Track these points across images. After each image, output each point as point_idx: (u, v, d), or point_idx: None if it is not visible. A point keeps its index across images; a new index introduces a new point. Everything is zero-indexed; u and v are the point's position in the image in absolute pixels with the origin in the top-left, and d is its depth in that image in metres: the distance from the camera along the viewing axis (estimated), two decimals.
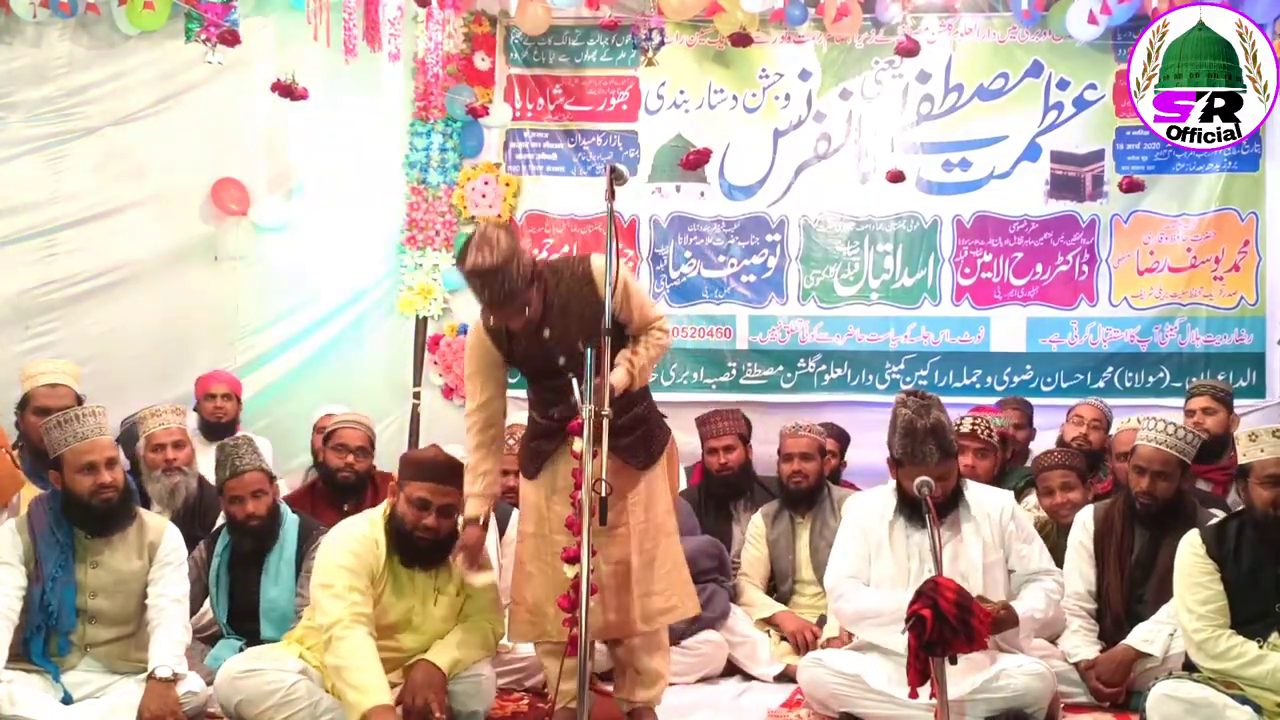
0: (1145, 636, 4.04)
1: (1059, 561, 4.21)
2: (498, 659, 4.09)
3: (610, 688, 4.01)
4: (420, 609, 3.73)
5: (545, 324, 3.59)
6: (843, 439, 5.62)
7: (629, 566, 3.65)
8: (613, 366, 3.42)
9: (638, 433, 3.70)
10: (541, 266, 3.60)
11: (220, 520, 4.64)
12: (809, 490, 4.97)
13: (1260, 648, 3.53)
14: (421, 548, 3.68)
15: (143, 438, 4.98)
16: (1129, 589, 4.21)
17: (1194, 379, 5.95)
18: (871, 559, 3.92)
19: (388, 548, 3.68)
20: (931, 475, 3.59)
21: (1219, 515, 4.16)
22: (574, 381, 3.35)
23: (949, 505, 3.82)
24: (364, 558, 3.63)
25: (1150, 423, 4.26)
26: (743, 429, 5.31)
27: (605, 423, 3.26)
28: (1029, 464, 5.10)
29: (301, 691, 3.58)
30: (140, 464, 4.97)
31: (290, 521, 4.33)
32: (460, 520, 3.71)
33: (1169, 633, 3.99)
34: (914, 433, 3.69)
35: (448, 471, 3.69)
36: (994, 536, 3.85)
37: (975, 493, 3.95)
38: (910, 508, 3.86)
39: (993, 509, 3.89)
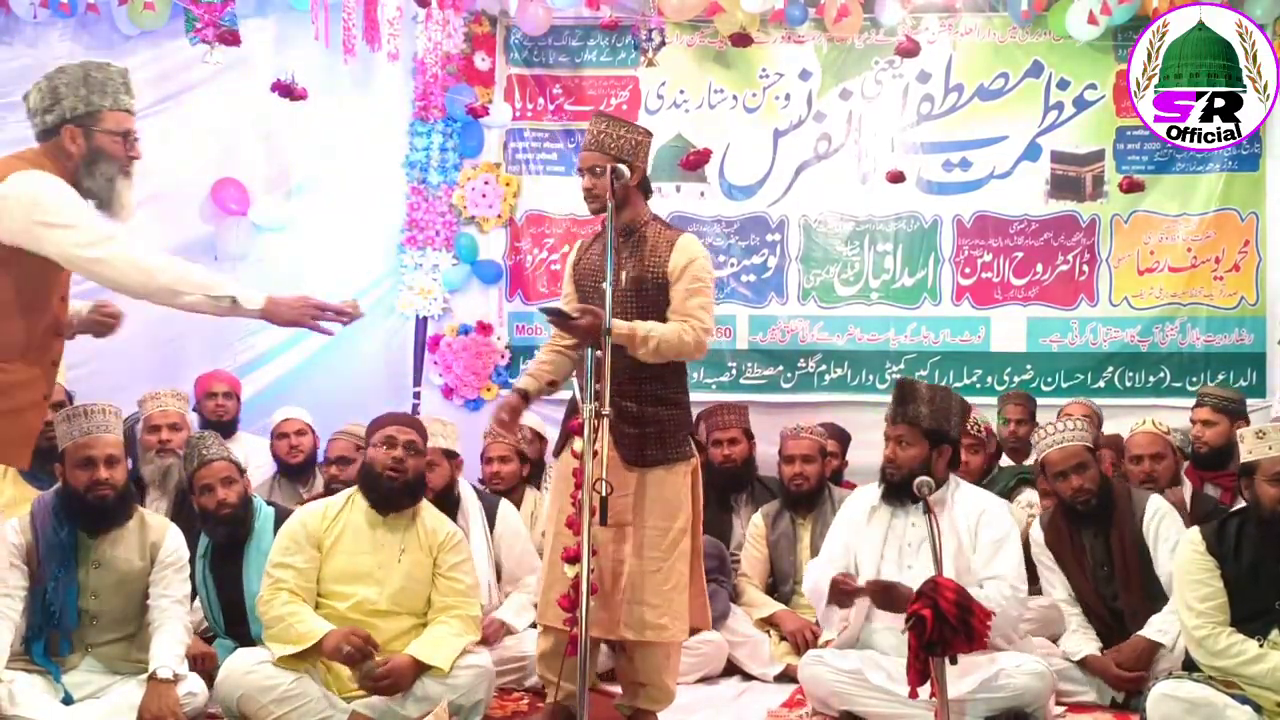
0: (1160, 627, 4.05)
1: None
2: (497, 657, 4.09)
3: (611, 688, 4.01)
4: (382, 563, 3.84)
5: (617, 235, 3.70)
6: (844, 439, 5.63)
7: (623, 567, 3.63)
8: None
9: (647, 430, 3.68)
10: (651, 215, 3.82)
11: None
12: (810, 492, 4.97)
13: (1260, 645, 3.53)
14: (391, 488, 3.88)
15: (142, 420, 5.00)
16: (1097, 588, 4.23)
17: (1196, 380, 5.97)
18: (856, 545, 4.03)
19: (354, 504, 3.92)
20: (890, 434, 3.90)
21: (1154, 495, 4.31)
22: (574, 382, 3.36)
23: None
24: (309, 524, 3.88)
25: (1045, 430, 4.34)
26: (747, 423, 5.38)
27: (605, 423, 3.27)
28: (1030, 460, 5.09)
29: (301, 688, 3.60)
30: (138, 450, 4.98)
31: (265, 513, 4.29)
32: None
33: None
34: (894, 389, 4.01)
35: (408, 419, 4.11)
36: (965, 527, 3.89)
37: (956, 489, 4.00)
38: (893, 490, 3.95)
39: (973, 507, 3.95)
